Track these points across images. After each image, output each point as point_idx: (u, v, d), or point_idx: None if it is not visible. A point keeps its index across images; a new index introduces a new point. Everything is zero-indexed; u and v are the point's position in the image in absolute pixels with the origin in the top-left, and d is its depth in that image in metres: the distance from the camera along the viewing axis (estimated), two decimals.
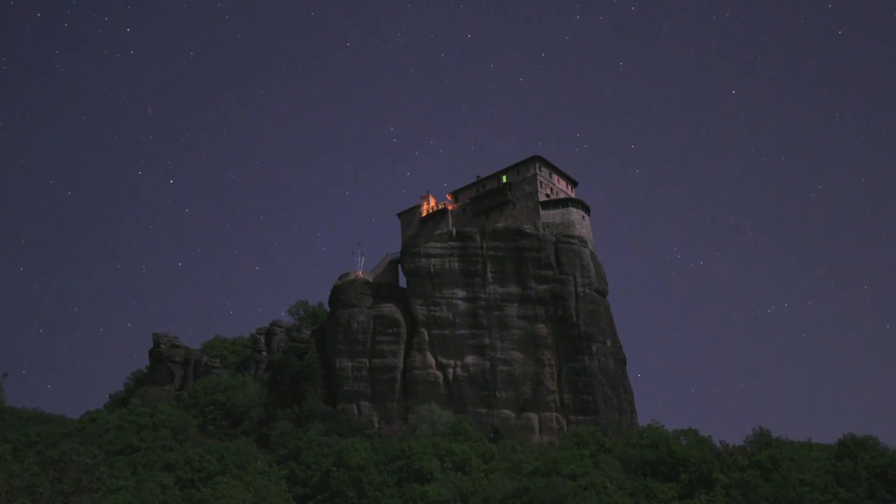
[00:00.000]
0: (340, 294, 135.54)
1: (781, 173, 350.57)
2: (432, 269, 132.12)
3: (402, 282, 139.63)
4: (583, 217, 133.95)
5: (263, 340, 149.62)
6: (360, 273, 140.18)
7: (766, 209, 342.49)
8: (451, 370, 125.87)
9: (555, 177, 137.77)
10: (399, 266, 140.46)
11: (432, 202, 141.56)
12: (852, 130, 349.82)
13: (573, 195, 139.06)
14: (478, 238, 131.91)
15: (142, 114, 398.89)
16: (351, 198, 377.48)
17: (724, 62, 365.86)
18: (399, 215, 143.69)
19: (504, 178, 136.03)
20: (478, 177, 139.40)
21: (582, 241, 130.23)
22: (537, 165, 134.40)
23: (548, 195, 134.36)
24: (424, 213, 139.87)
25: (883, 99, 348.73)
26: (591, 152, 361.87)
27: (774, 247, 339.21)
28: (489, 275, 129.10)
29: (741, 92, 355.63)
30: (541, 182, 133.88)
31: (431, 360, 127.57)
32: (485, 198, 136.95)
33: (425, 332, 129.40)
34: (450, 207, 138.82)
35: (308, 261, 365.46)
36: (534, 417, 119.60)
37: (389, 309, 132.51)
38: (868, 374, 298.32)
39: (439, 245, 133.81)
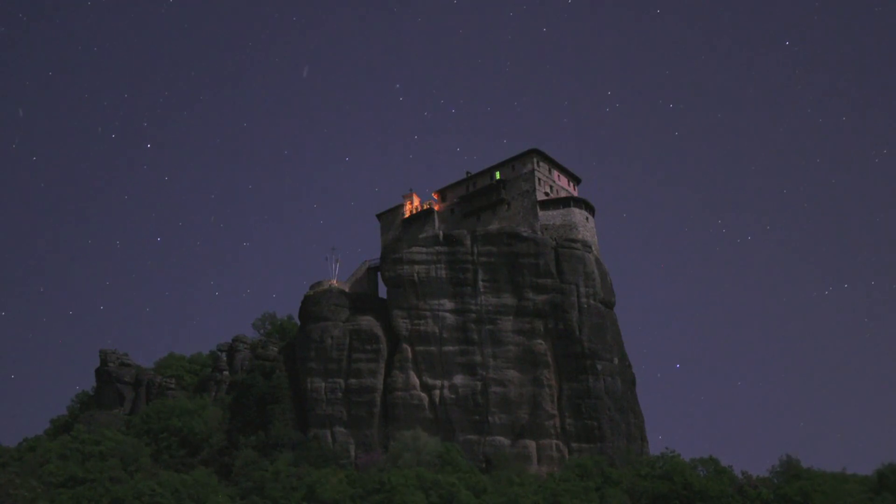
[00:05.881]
0: (312, 306, 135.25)
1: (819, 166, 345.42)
2: (416, 278, 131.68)
3: (383, 292, 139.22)
4: (587, 218, 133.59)
5: (225, 358, 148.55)
6: (334, 282, 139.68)
7: (803, 213, 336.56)
8: (437, 392, 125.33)
9: (555, 173, 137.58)
10: (378, 274, 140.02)
11: (416, 202, 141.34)
12: (872, 126, 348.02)
13: (576, 194, 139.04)
14: (468, 242, 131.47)
15: (95, 113, 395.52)
16: (324, 196, 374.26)
17: (745, 44, 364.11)
18: (378, 216, 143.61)
19: (497, 175, 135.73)
20: (468, 173, 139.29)
21: (586, 245, 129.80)
22: (535, 160, 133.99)
23: (547, 194, 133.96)
24: (407, 214, 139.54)
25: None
26: (595, 145, 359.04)
27: (810, 253, 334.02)
28: (480, 284, 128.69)
29: (759, 80, 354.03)
30: (539, 179, 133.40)
31: (415, 380, 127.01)
32: (475, 197, 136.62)
33: (408, 349, 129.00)
34: (436, 208, 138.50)
35: (275, 268, 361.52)
36: (531, 445, 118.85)
37: (368, 322, 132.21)
38: None
39: (424, 250, 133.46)
